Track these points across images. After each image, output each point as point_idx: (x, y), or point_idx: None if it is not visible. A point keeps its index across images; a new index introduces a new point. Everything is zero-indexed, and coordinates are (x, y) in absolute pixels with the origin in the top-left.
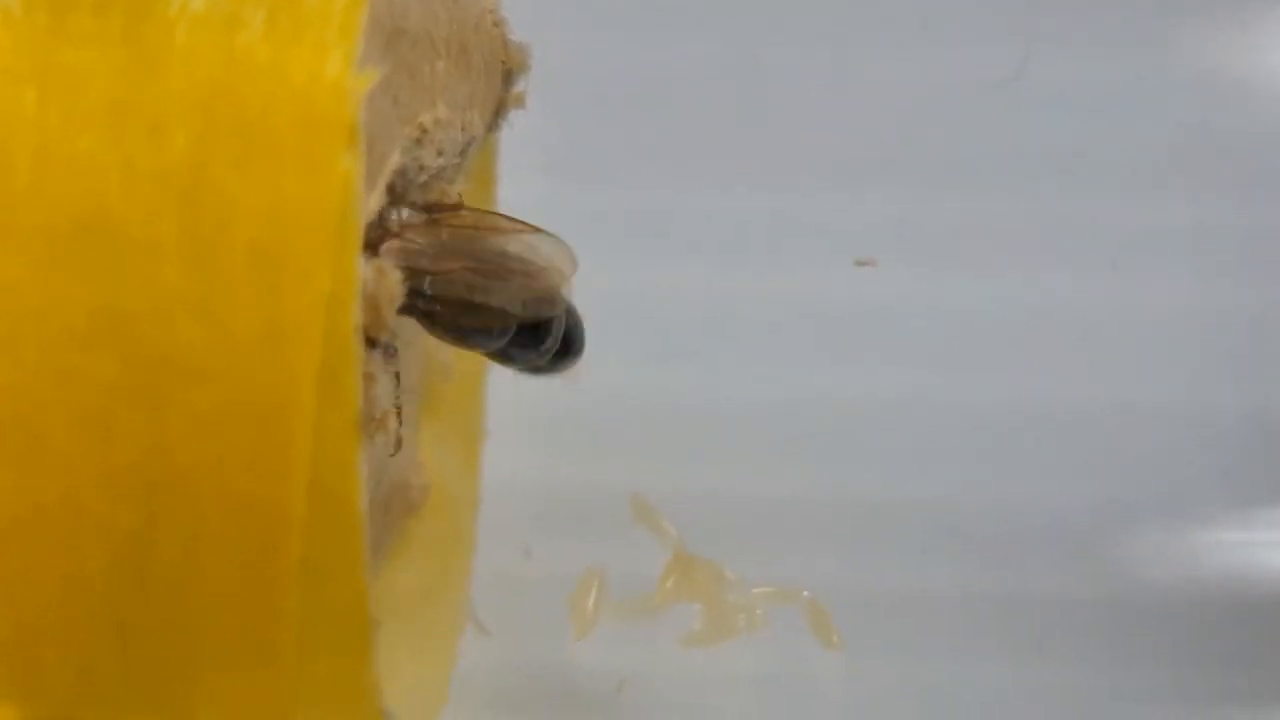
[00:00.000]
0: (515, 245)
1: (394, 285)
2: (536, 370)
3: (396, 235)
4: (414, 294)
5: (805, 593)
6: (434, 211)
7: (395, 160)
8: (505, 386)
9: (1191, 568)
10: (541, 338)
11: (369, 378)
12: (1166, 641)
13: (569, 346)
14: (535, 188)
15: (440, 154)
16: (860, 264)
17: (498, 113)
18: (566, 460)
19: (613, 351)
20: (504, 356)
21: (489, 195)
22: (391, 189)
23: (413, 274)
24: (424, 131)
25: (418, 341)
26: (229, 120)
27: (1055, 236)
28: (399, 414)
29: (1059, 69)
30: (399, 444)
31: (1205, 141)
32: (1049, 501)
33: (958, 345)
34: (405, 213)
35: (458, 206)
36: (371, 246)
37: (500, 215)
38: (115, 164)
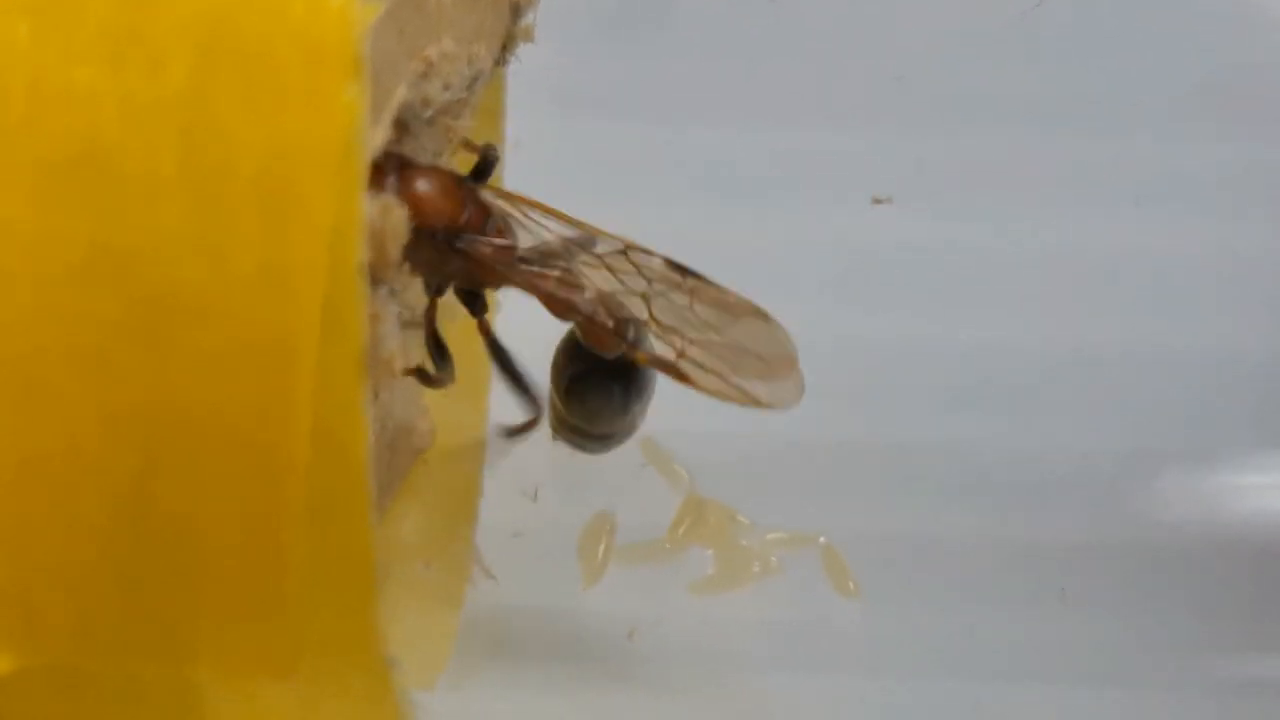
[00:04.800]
0: None
1: (399, 221)
2: None
3: None
4: None
5: (821, 538)
6: None
7: (401, 94)
8: (511, 328)
9: (1218, 512)
10: None
11: (373, 317)
12: (1192, 588)
13: None
14: (543, 123)
15: (447, 88)
16: (877, 201)
17: (505, 46)
18: None
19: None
20: None
21: (496, 130)
22: (398, 123)
23: None
24: (430, 65)
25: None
26: (229, 51)
27: (1077, 175)
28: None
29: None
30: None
31: (1233, 77)
32: (1072, 446)
33: (979, 287)
34: None
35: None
36: (376, 181)
37: None
38: (113, 96)
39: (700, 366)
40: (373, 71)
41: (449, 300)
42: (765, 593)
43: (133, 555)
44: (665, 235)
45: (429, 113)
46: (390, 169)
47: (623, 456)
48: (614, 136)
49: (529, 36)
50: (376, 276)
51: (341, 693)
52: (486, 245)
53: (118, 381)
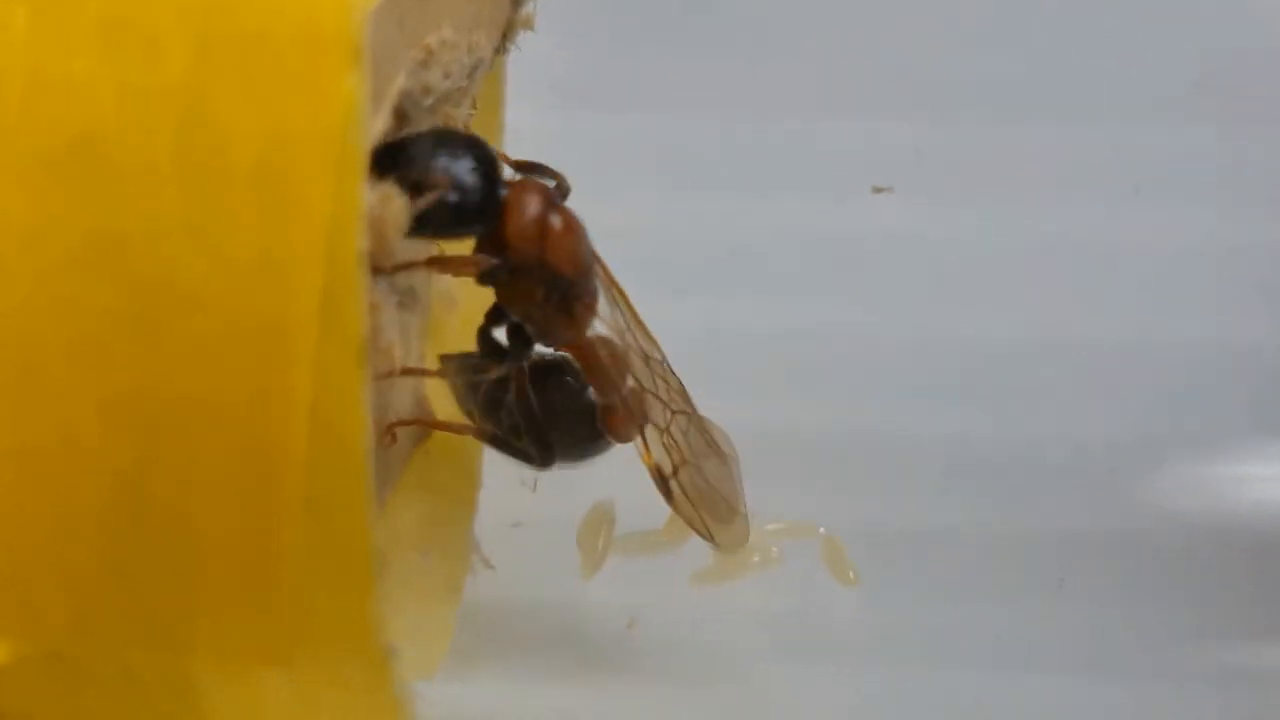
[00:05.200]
0: None
1: (399, 211)
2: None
3: None
4: None
5: (821, 529)
6: None
7: (401, 82)
8: None
9: (1217, 502)
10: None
11: (373, 307)
12: (1192, 578)
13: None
14: (543, 112)
15: (447, 76)
16: (877, 190)
17: (506, 35)
18: None
19: (622, 282)
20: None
21: (496, 120)
22: (398, 112)
23: None
24: (430, 53)
25: (421, 272)
26: (228, 39)
27: (1077, 165)
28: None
29: None
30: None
31: (1233, 67)
32: (1071, 436)
33: (978, 277)
34: None
35: None
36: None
37: None
38: (110, 84)
39: (683, 490)
40: (372, 59)
41: (446, 287)
42: (766, 583)
43: (129, 544)
44: (664, 225)
45: (429, 101)
46: (543, 204)
47: (622, 446)
48: (614, 126)
49: (529, 25)
50: (376, 266)
51: (340, 683)
52: (584, 306)
53: (114, 371)
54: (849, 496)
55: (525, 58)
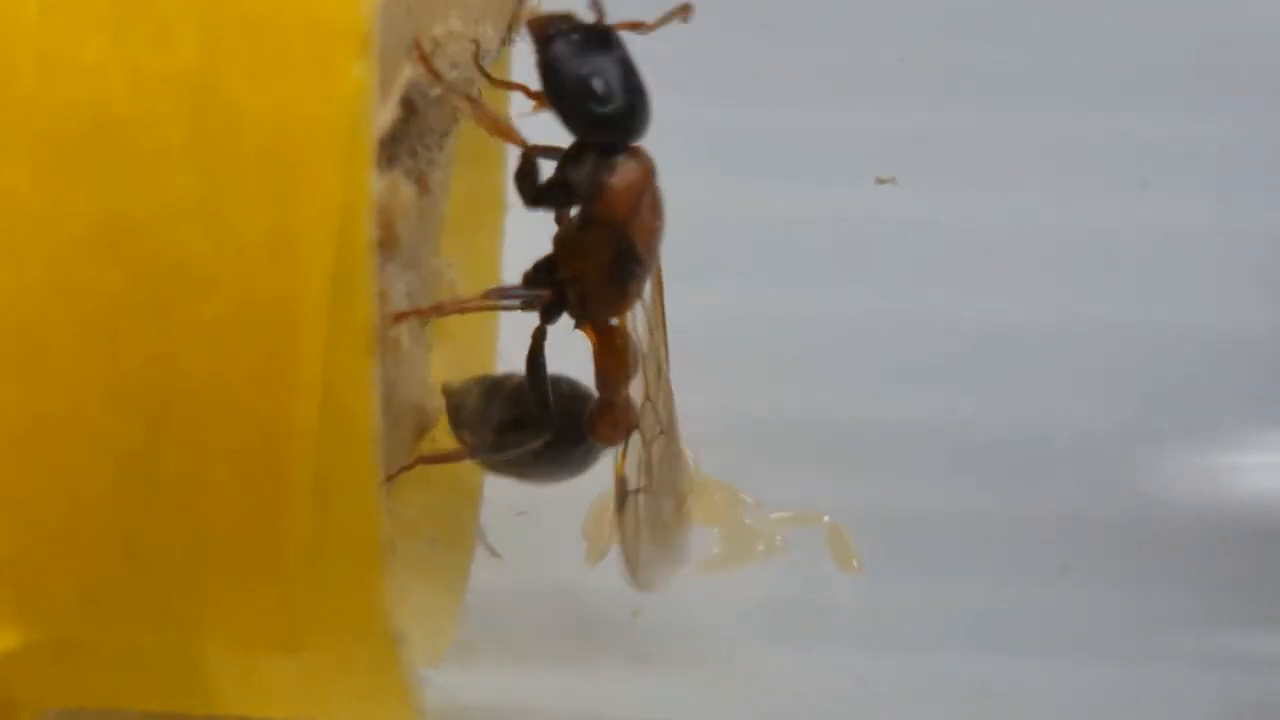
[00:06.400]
0: None
1: (407, 199)
2: None
3: None
4: None
5: (825, 516)
6: None
7: (408, 73)
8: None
9: (1219, 490)
10: None
11: (381, 294)
12: (1193, 565)
13: None
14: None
15: (454, 67)
16: (881, 181)
17: (511, 26)
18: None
19: None
20: None
21: (500, 110)
22: (405, 101)
23: None
24: (437, 44)
25: (429, 262)
26: (238, 25)
27: (1080, 152)
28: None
29: None
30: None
31: (1236, 52)
32: (1073, 423)
33: (981, 264)
34: None
35: None
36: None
37: None
38: (121, 69)
39: (636, 512)
40: (380, 49)
41: (452, 281)
42: (770, 570)
43: (137, 526)
44: (668, 214)
45: (436, 91)
46: (649, 177)
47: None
48: None
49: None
50: (385, 253)
51: (348, 667)
52: (634, 292)
53: (124, 352)
54: (852, 483)
55: (531, 48)
